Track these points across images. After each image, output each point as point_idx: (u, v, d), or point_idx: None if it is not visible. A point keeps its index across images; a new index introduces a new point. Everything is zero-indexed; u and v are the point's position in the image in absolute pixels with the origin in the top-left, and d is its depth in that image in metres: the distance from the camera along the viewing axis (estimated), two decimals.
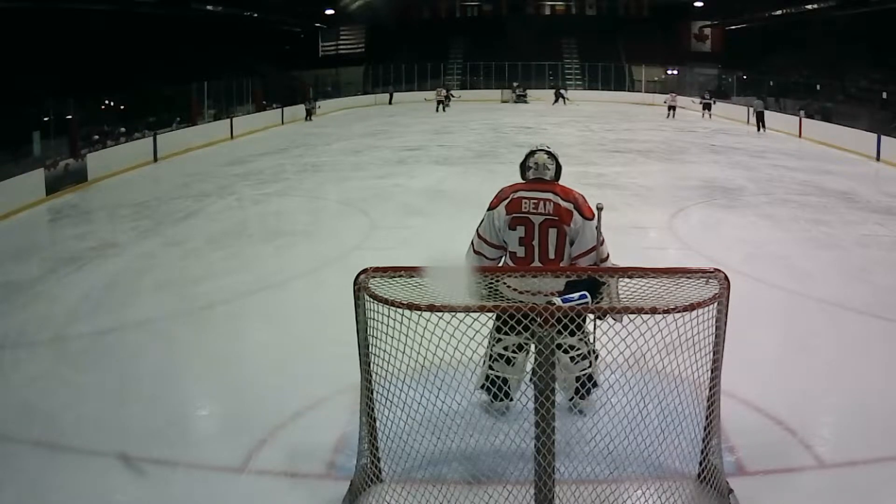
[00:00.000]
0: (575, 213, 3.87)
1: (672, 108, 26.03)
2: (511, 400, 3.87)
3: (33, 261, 7.93)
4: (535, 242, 3.89)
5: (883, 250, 8.12)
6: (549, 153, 4.08)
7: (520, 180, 4.11)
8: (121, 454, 3.79)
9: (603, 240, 3.95)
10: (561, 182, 4.08)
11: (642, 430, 3.23)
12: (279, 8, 31.69)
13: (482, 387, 3.89)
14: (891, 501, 3.46)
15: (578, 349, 3.81)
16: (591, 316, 3.36)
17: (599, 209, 3.93)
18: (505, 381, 3.79)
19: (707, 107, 25.72)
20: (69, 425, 4.15)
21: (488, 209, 4.02)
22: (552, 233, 3.87)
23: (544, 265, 3.87)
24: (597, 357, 3.72)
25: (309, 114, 26.00)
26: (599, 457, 3.31)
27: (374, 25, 37.17)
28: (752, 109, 22.57)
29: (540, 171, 4.04)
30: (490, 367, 3.83)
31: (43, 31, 18.37)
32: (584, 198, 3.97)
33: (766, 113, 21.71)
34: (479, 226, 4.07)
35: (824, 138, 18.28)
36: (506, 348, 3.81)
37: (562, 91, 31.91)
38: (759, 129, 21.25)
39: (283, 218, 10.16)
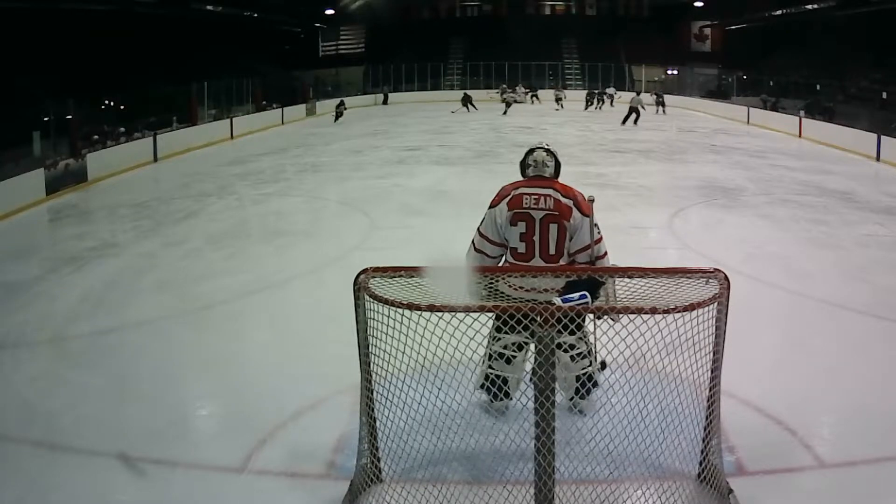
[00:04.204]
0: (574, 209, 3.89)
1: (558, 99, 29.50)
2: (510, 399, 3.87)
3: (33, 261, 7.93)
4: (536, 238, 3.89)
5: (883, 250, 8.11)
6: (547, 150, 4.10)
7: (520, 178, 4.12)
8: (121, 454, 3.79)
9: (601, 237, 3.95)
10: (560, 181, 4.09)
11: (642, 430, 3.23)
12: (279, 8, 31.75)
13: (482, 386, 3.89)
14: (891, 501, 3.45)
15: (578, 348, 3.81)
16: (591, 316, 3.35)
17: (591, 201, 3.93)
18: (504, 380, 3.79)
19: (659, 103, 26.69)
20: (69, 425, 4.14)
21: (490, 207, 4.03)
22: (553, 228, 3.88)
23: (545, 260, 3.88)
24: (603, 367, 3.71)
25: (338, 116, 25.10)
26: (599, 457, 3.31)
27: (373, 25, 37.21)
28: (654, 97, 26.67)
29: (539, 169, 4.06)
30: (489, 367, 3.82)
31: (43, 31, 18.38)
32: (583, 196, 3.98)
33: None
34: (481, 224, 4.07)
35: (824, 138, 18.25)
36: (505, 347, 3.81)
37: (536, 94, 31.79)
38: (645, 114, 23.67)
39: (283, 218, 10.15)
